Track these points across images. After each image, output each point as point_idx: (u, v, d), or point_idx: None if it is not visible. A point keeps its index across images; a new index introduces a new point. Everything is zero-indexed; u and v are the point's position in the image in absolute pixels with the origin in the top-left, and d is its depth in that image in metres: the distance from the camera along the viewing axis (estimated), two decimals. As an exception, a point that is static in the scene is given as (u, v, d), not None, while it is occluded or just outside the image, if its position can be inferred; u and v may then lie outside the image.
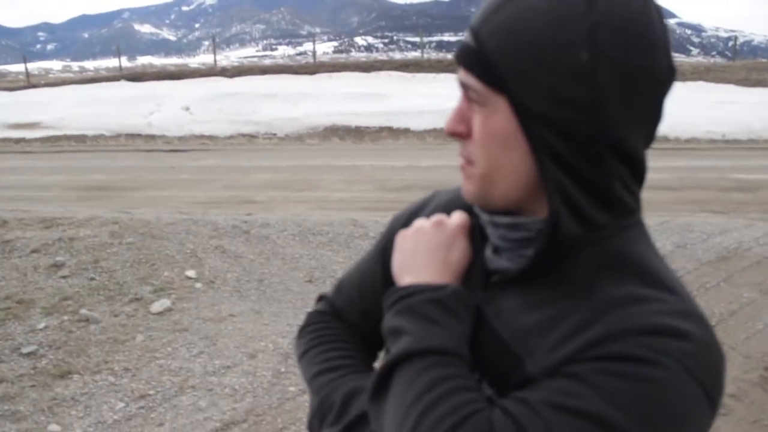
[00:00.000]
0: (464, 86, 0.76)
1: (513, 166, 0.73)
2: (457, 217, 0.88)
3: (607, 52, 0.67)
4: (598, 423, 0.64)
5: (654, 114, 0.73)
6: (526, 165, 0.73)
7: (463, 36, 0.78)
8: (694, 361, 0.66)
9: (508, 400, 0.69)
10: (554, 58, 0.68)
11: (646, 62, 0.69)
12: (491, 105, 0.73)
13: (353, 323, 1.04)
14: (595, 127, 0.69)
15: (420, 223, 0.90)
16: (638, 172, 0.74)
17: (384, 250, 1.00)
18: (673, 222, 5.98)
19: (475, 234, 0.88)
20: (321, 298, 1.12)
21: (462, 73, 0.76)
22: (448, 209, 0.93)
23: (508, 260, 0.80)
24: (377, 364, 0.83)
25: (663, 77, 0.71)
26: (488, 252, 0.84)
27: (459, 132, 0.77)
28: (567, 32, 0.67)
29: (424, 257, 0.85)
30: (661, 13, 0.71)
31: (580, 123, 0.69)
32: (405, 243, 0.89)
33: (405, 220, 0.99)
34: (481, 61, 0.72)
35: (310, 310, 1.12)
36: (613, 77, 0.68)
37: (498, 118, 0.72)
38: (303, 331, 1.06)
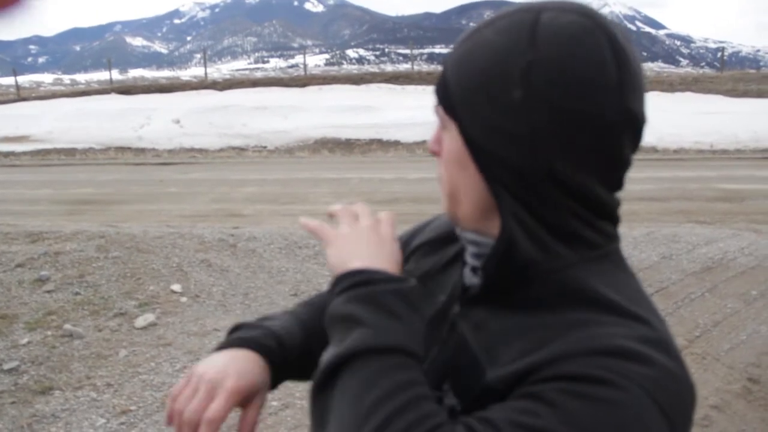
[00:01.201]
0: (436, 109, 0.81)
1: (469, 186, 0.77)
2: (387, 215, 0.88)
3: (541, 92, 0.68)
4: None
5: (607, 157, 0.72)
6: (480, 186, 0.76)
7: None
8: (655, 387, 0.65)
9: (472, 418, 0.68)
10: (491, 92, 0.71)
11: (587, 105, 0.68)
12: (449, 128, 0.77)
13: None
14: (532, 162, 0.70)
15: (354, 217, 0.86)
16: (599, 209, 0.74)
17: None
18: (659, 233, 6.01)
19: (460, 252, 0.90)
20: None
21: (435, 99, 0.81)
22: (449, 230, 0.93)
23: (479, 277, 0.82)
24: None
25: (612, 120, 0.70)
26: (466, 269, 0.86)
27: (434, 151, 0.82)
28: (505, 68, 0.70)
29: (375, 246, 0.81)
30: (622, 55, 0.70)
31: (516, 156, 0.71)
32: (347, 233, 0.83)
33: (405, 241, 1.01)
34: (442, 88, 0.78)
35: None
36: (546, 116, 0.68)
37: (454, 141, 0.77)
38: None
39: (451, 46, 0.81)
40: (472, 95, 0.73)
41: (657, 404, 0.65)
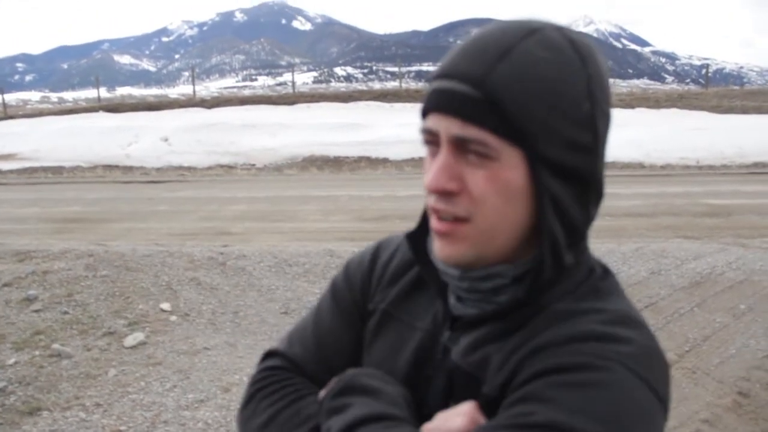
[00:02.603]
0: (460, 140, 0.73)
1: (515, 218, 0.75)
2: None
3: (598, 102, 0.75)
4: (557, 430, 0.65)
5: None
6: (524, 217, 0.75)
7: (448, 84, 0.74)
8: (635, 363, 0.70)
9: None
10: (568, 108, 0.73)
11: (610, 108, 0.79)
12: (504, 159, 0.72)
13: (310, 373, 0.97)
14: (593, 170, 0.77)
15: None
16: (600, 203, 0.81)
17: (357, 289, 0.99)
18: (648, 248, 6.07)
19: (433, 281, 0.88)
20: (269, 355, 1.02)
21: (458, 127, 0.72)
22: (403, 259, 0.96)
23: (473, 307, 0.84)
24: None
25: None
26: (452, 300, 0.86)
27: (450, 190, 0.74)
28: (574, 84, 0.73)
29: None
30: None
31: (586, 167, 0.76)
32: None
33: (369, 265, 0.99)
34: (497, 114, 0.71)
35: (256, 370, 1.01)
36: (603, 124, 0.77)
37: (510, 171, 0.72)
38: (258, 393, 0.94)
39: (472, 67, 0.72)
40: (548, 114, 0.71)
41: (642, 379, 0.69)
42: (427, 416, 0.81)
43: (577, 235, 0.78)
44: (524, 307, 0.79)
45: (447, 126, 0.73)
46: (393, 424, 0.77)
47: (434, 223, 0.78)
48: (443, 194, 0.75)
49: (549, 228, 0.75)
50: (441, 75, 0.75)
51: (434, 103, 0.75)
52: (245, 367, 4.26)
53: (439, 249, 0.79)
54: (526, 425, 0.67)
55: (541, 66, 0.71)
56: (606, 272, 0.84)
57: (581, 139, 0.74)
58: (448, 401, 0.81)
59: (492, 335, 0.80)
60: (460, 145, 0.73)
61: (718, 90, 22.94)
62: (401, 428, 0.77)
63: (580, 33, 0.78)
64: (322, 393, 0.88)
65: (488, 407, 0.74)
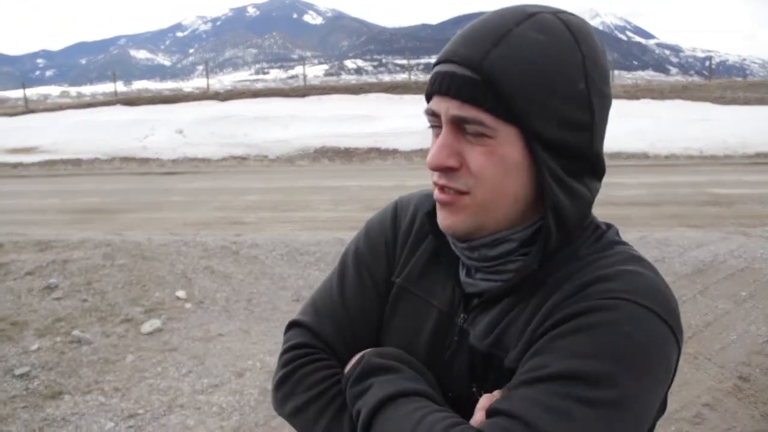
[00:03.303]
0: (459, 119, 0.77)
1: (514, 191, 0.78)
2: None
3: (594, 82, 0.78)
4: (573, 378, 0.67)
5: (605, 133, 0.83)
6: (524, 190, 0.79)
7: (448, 68, 0.78)
8: (643, 296, 0.70)
9: (495, 402, 0.73)
10: (563, 88, 0.75)
11: (609, 89, 0.81)
12: (501, 136, 0.76)
13: (339, 348, 0.96)
14: (590, 146, 0.79)
15: None
16: (601, 176, 0.84)
17: (383, 260, 0.99)
18: (652, 237, 6.08)
19: (446, 255, 0.91)
20: (293, 325, 1.01)
21: (456, 107, 0.76)
22: (419, 226, 0.97)
23: (485, 281, 0.85)
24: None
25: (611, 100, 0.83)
26: (462, 275, 0.88)
27: (450, 166, 0.78)
28: (568, 64, 0.76)
29: None
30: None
31: (582, 145, 0.78)
32: None
33: (391, 230, 1.00)
34: (493, 94, 0.74)
35: (286, 341, 0.99)
36: (599, 103, 0.79)
37: (507, 147, 0.76)
38: (293, 374, 0.93)
39: (469, 51, 0.76)
40: (544, 93, 0.74)
41: (648, 308, 0.70)
42: (453, 400, 0.84)
43: (580, 205, 0.80)
44: (531, 280, 0.81)
45: (447, 107, 0.77)
46: (418, 399, 0.79)
47: (437, 194, 0.82)
48: (444, 170, 0.79)
49: (552, 198, 0.77)
50: (442, 60, 0.79)
51: (436, 86, 0.79)
52: (258, 353, 4.36)
53: (441, 219, 0.82)
54: (542, 378, 0.68)
55: (536, 48, 0.74)
56: (608, 226, 0.87)
57: (577, 117, 0.77)
58: (471, 384, 0.84)
59: (505, 311, 0.82)
60: (460, 125, 0.77)
61: (721, 82, 22.69)
62: (427, 402, 0.78)
63: (575, 16, 0.80)
64: (348, 369, 0.89)
65: (511, 378, 0.75)
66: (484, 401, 0.77)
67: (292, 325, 1.01)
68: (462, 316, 0.86)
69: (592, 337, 0.68)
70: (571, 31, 0.77)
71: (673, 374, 0.75)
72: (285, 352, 0.97)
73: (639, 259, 0.78)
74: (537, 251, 0.79)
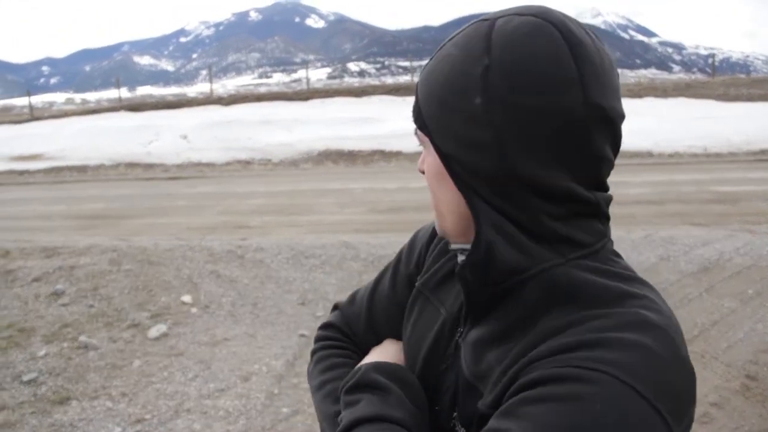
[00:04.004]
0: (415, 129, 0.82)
1: (449, 199, 0.78)
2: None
3: (499, 94, 0.67)
4: None
5: (579, 154, 0.70)
6: (458, 199, 0.76)
7: None
8: (628, 371, 0.60)
9: None
10: (455, 103, 0.71)
11: (546, 101, 0.67)
12: (426, 145, 0.79)
13: (359, 335, 1.06)
14: (501, 168, 0.69)
15: None
16: (577, 207, 0.72)
17: (414, 260, 1.03)
18: (657, 235, 6.07)
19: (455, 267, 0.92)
20: (334, 309, 1.14)
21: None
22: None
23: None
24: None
25: (577, 115, 0.67)
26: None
27: (420, 170, 0.84)
28: (464, 78, 0.70)
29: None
30: (580, 49, 0.68)
31: (485, 164, 0.70)
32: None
33: (430, 236, 1.03)
34: (416, 108, 0.79)
35: (321, 324, 1.13)
36: (507, 117, 0.67)
37: (431, 157, 0.78)
38: (316, 353, 1.07)
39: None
40: (439, 109, 0.73)
41: (634, 389, 0.59)
42: (438, 413, 0.84)
43: (536, 232, 0.71)
44: (509, 304, 0.74)
45: None
46: (389, 427, 0.78)
47: None
48: (422, 173, 0.84)
49: (480, 212, 0.73)
50: None
51: None
52: (264, 357, 4.37)
53: None
54: None
55: (442, 64, 0.74)
56: (617, 275, 0.73)
57: (474, 134, 0.70)
58: (455, 407, 0.82)
59: (490, 339, 0.77)
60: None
61: (724, 79, 22.59)
62: (395, 430, 0.78)
63: (519, 20, 0.70)
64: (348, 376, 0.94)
65: (485, 423, 0.69)
66: None
67: (333, 307, 1.15)
68: (460, 329, 0.84)
69: (558, 408, 0.60)
70: (488, 39, 0.69)
71: None
72: (319, 328, 1.12)
73: (647, 325, 0.65)
74: (466, 264, 0.75)
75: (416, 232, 1.08)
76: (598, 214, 0.74)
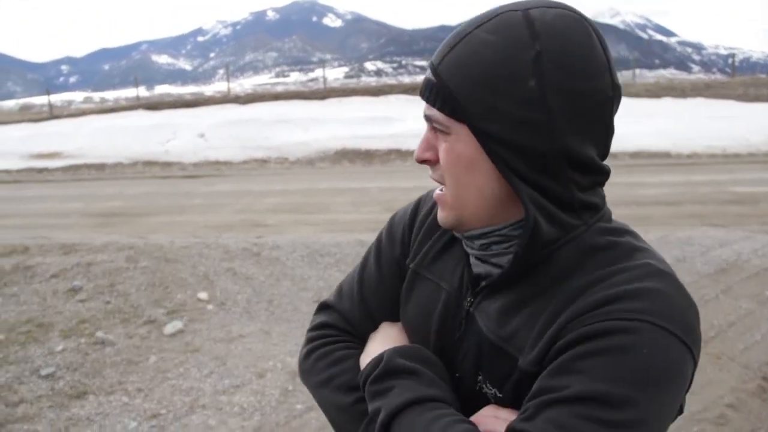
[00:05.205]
0: (428, 118, 0.84)
1: (478, 186, 0.82)
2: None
3: (553, 78, 0.75)
4: (595, 400, 0.68)
5: (604, 128, 0.80)
6: (490, 184, 0.81)
7: (426, 72, 0.85)
8: (662, 316, 0.71)
9: (515, 421, 0.74)
10: (505, 86, 0.76)
11: (590, 84, 0.77)
12: (454, 133, 0.81)
13: (356, 327, 1.07)
14: (550, 145, 0.77)
15: None
16: (597, 177, 0.82)
17: (398, 244, 1.06)
18: (673, 236, 6.01)
19: (451, 241, 0.97)
20: (322, 308, 1.13)
21: (426, 107, 0.84)
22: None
23: (491, 266, 0.88)
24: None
25: (608, 95, 0.79)
26: (472, 258, 0.92)
27: (427, 159, 0.86)
28: (515, 63, 0.76)
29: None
30: (602, 38, 0.80)
31: (536, 142, 0.77)
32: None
33: (410, 218, 1.07)
34: (441, 94, 0.80)
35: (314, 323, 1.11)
36: (561, 100, 0.76)
37: (461, 144, 0.80)
38: (315, 351, 1.05)
39: (435, 56, 0.83)
40: (485, 92, 0.76)
41: (667, 330, 0.71)
42: (459, 379, 0.90)
43: (568, 203, 0.80)
44: (539, 273, 0.82)
45: (424, 108, 0.85)
46: (433, 406, 0.82)
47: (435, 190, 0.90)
48: (424, 162, 0.87)
49: (522, 194, 0.78)
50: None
51: (420, 91, 0.86)
52: (279, 354, 4.39)
53: (437, 213, 0.91)
54: (563, 399, 0.70)
55: (481, 49, 0.77)
56: (623, 231, 0.85)
57: (527, 115, 0.76)
58: (478, 372, 0.87)
59: (517, 305, 0.83)
60: (431, 123, 0.84)
61: (744, 79, 22.26)
62: (444, 410, 0.81)
63: (560, 10, 0.79)
64: (363, 359, 0.96)
65: (527, 380, 0.78)
66: (489, 411, 0.84)
67: (320, 307, 1.13)
68: (469, 299, 0.90)
69: (613, 360, 0.70)
70: (532, 27, 0.76)
71: (689, 385, 0.77)
72: (309, 330, 1.10)
73: (661, 273, 0.77)
74: (522, 244, 0.80)
75: (392, 217, 1.12)
76: (603, 181, 0.85)
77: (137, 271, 5.79)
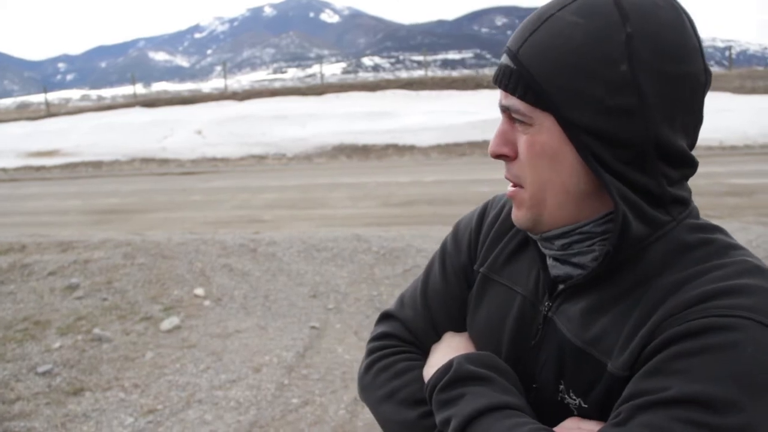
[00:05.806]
0: (506, 109, 0.78)
1: (561, 181, 0.76)
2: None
3: (645, 62, 0.70)
4: (697, 403, 0.63)
5: (695, 115, 0.75)
6: (573, 178, 0.75)
7: (502, 58, 0.79)
8: (764, 313, 0.65)
9: (606, 427, 0.69)
10: (597, 70, 0.70)
11: (683, 68, 0.71)
12: (537, 124, 0.75)
13: (420, 336, 1.01)
14: (641, 135, 0.71)
15: None
16: (686, 170, 0.77)
17: (464, 250, 1.01)
18: (671, 228, 6.01)
19: (523, 243, 0.92)
20: (384, 318, 1.07)
21: (503, 96, 0.78)
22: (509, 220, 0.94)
23: (572, 267, 0.82)
24: None
25: (700, 80, 0.73)
26: (549, 260, 0.86)
27: (504, 154, 0.80)
28: (605, 46, 0.70)
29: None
30: (692, 20, 0.74)
31: (627, 130, 0.71)
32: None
33: (476, 223, 1.02)
34: (523, 82, 0.74)
35: (374, 332, 1.06)
36: (653, 84, 0.70)
37: (545, 135, 0.74)
38: (377, 363, 0.99)
39: (513, 41, 0.77)
40: (574, 78, 0.71)
41: None
42: (537, 390, 0.84)
43: (657, 197, 0.74)
44: (624, 271, 0.76)
45: (500, 97, 0.79)
46: (508, 413, 0.76)
47: (508, 188, 0.83)
48: (499, 158, 0.81)
49: (611, 188, 0.72)
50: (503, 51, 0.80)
51: (494, 78, 0.80)
52: (275, 349, 4.39)
53: (512, 213, 0.84)
54: (662, 402, 0.64)
55: (567, 32, 0.72)
56: (714, 228, 0.79)
57: (618, 102, 0.71)
58: (559, 379, 0.81)
59: (601, 307, 0.78)
60: (509, 114, 0.78)
61: (741, 71, 22.22)
62: (523, 418, 0.76)
63: None
64: (427, 371, 0.90)
65: (616, 386, 0.72)
66: (572, 423, 0.77)
67: (381, 317, 1.07)
68: (546, 303, 0.84)
69: (715, 359, 0.64)
70: (621, 9, 0.71)
71: None
72: (369, 341, 1.04)
73: (760, 270, 0.71)
74: (611, 240, 0.74)
75: (457, 223, 1.06)
76: (690, 173, 0.79)
77: (134, 268, 5.79)
